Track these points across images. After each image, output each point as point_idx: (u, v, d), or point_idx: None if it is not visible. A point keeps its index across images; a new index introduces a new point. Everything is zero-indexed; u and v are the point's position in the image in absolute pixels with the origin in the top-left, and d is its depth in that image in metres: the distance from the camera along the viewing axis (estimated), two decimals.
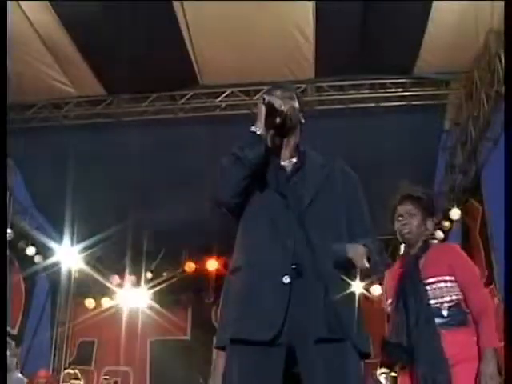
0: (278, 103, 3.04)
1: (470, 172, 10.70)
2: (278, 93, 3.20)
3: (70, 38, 8.80)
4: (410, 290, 4.05)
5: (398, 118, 10.06)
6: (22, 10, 8.31)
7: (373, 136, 9.83)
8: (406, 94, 9.95)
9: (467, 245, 10.96)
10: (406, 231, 4.23)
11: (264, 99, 3.04)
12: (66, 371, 12.15)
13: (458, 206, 10.89)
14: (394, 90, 9.97)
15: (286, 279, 2.83)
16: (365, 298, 12.60)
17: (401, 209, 4.28)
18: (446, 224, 11.45)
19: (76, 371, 11.90)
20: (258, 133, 3.00)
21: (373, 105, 10.00)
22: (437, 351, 3.84)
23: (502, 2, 7.63)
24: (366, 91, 10.00)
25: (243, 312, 2.88)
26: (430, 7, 8.30)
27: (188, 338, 14.74)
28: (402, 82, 9.92)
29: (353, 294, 2.98)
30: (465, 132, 10.26)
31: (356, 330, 2.88)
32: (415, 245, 4.24)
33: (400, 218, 4.27)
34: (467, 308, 4.07)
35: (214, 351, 13.60)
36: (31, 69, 9.32)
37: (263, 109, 3.04)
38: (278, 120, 3.05)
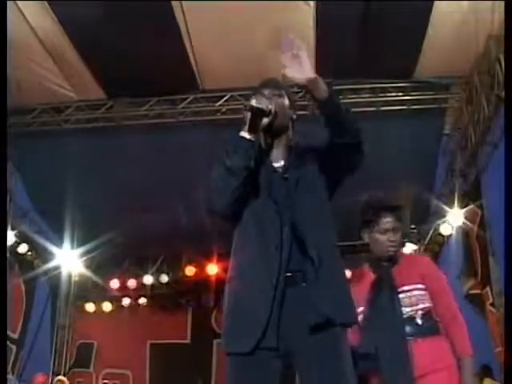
0: (265, 104, 3.00)
1: (470, 176, 10.69)
2: (267, 91, 3.17)
3: (71, 43, 8.81)
4: (384, 298, 3.98)
5: (398, 122, 10.05)
6: (23, 14, 8.31)
7: (373, 140, 9.78)
8: (407, 98, 9.93)
9: (468, 249, 10.95)
10: (393, 249, 4.12)
11: (246, 105, 2.99)
12: (57, 379, 12.18)
13: (458, 210, 10.89)
14: (394, 94, 9.96)
15: (271, 286, 2.81)
16: None
17: (385, 222, 4.10)
18: (446, 228, 11.45)
19: (64, 378, 11.96)
20: (247, 137, 2.97)
21: (373, 109, 9.98)
22: (405, 361, 3.80)
23: (503, 7, 7.66)
24: (366, 95, 9.99)
25: (230, 324, 2.91)
26: (430, 11, 8.31)
27: (188, 341, 14.71)
28: (402, 86, 9.92)
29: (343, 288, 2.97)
30: (465, 136, 10.25)
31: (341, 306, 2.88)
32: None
33: (385, 233, 4.11)
34: (436, 316, 4.07)
35: (214, 355, 13.63)
36: (31, 73, 9.32)
37: (247, 113, 2.98)
38: (265, 120, 3.01)
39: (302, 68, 2.90)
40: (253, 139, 2.97)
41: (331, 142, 2.99)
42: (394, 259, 4.15)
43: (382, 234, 4.11)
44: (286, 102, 3.19)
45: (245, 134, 2.98)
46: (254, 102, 2.98)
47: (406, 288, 4.02)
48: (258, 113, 2.98)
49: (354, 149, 3.01)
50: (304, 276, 2.85)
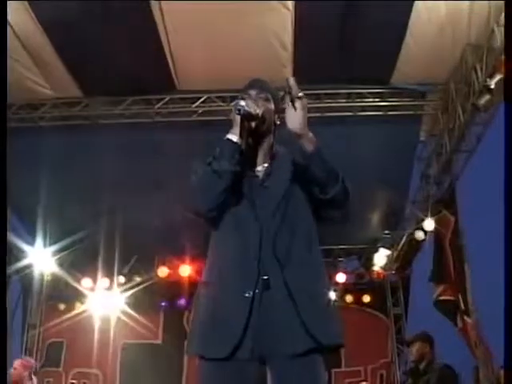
0: (253, 108, 2.98)
1: (444, 183, 10.79)
2: (253, 92, 3.15)
3: (48, 40, 8.73)
4: None
5: (374, 127, 10.08)
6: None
7: (349, 145, 9.83)
8: (383, 104, 9.96)
9: (439, 255, 11.02)
10: None
11: (238, 108, 2.95)
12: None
13: (431, 217, 10.95)
14: (370, 99, 9.98)
15: (248, 293, 2.80)
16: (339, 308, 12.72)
17: None
18: (420, 234, 11.51)
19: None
20: (235, 140, 2.94)
21: (349, 114, 10.01)
22: None
23: (480, 16, 7.75)
24: (343, 100, 10.00)
25: (204, 329, 2.88)
26: (408, 19, 8.34)
27: (160, 342, 14.65)
28: (378, 92, 9.94)
29: (326, 301, 2.95)
30: (440, 143, 10.31)
31: (327, 327, 2.88)
32: None
33: None
34: None
35: (186, 356, 13.60)
36: (8, 70, 9.23)
37: (237, 116, 2.97)
38: (253, 124, 3.00)
39: (294, 118, 2.91)
40: (239, 142, 2.95)
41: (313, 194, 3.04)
42: None
43: None
44: (272, 106, 3.16)
45: (232, 137, 2.96)
46: (243, 105, 2.96)
47: None
48: (247, 116, 2.97)
49: (334, 205, 3.09)
50: (284, 291, 2.84)
